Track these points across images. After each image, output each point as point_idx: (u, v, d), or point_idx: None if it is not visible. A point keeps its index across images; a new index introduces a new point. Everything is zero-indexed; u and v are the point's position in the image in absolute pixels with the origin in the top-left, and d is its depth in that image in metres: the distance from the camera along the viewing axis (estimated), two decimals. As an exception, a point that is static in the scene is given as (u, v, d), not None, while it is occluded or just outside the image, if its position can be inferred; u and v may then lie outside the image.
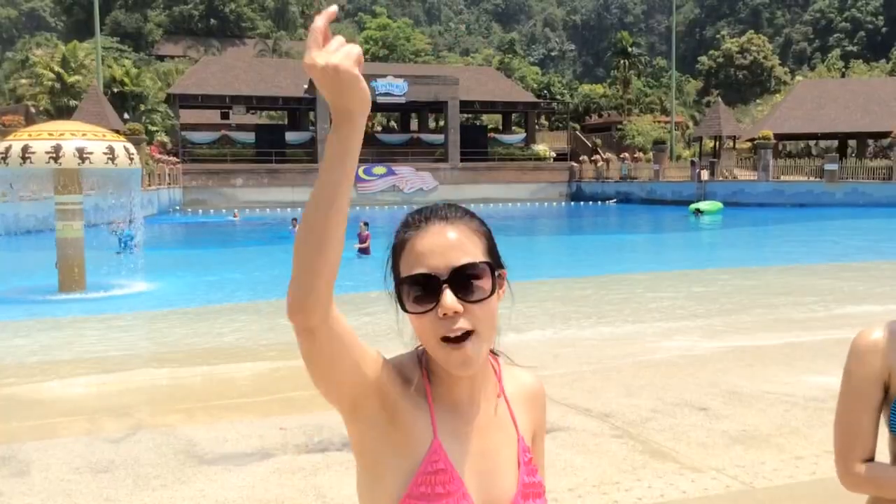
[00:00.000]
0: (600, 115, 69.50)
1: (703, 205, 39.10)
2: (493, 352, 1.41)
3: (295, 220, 26.54)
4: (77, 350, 9.50)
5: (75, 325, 11.34)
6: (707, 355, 8.03)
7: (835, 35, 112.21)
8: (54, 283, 14.19)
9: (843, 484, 1.65)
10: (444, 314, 1.22)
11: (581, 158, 57.16)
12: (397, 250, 1.30)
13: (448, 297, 1.22)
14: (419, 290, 1.24)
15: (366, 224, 21.01)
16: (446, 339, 1.24)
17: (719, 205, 39.86)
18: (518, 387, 1.43)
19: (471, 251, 1.26)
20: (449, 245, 1.25)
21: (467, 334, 1.24)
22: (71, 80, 49.59)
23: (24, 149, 13.25)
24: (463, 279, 1.24)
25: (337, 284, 1.23)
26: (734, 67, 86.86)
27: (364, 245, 20.31)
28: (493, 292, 1.27)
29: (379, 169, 51.12)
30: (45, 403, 6.73)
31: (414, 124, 62.62)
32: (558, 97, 72.19)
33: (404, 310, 1.26)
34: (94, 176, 14.93)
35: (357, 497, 1.38)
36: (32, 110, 48.03)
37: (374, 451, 1.30)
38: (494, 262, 1.30)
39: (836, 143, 57.61)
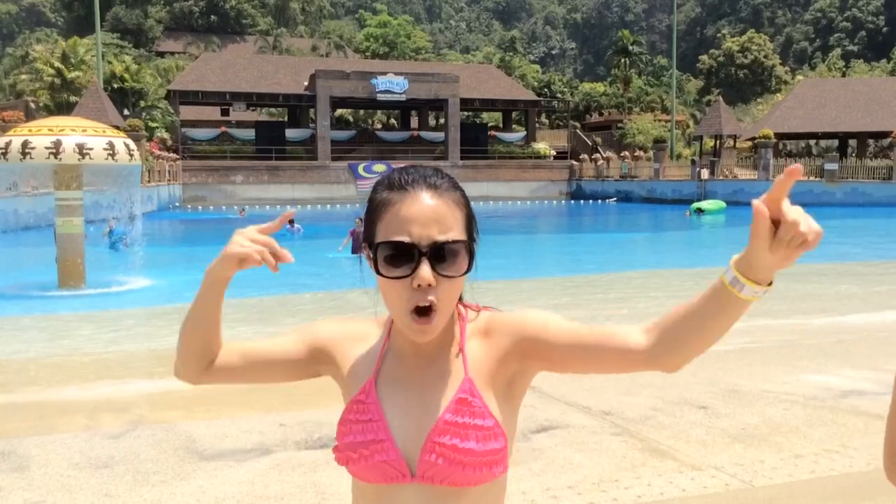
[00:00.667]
0: (601, 114, 69.47)
1: (705, 204, 39.05)
2: (475, 307, 1.43)
3: (292, 220, 26.25)
4: (76, 345, 9.51)
5: (75, 321, 11.34)
6: (707, 354, 8.01)
7: (835, 34, 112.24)
8: (54, 278, 14.19)
9: (890, 479, 1.63)
10: (419, 285, 1.25)
11: (581, 157, 57.16)
12: (378, 208, 1.31)
13: (425, 269, 1.25)
14: (397, 257, 1.26)
15: (361, 220, 20.47)
16: (415, 311, 1.28)
17: (722, 204, 39.72)
18: (478, 332, 1.40)
19: (452, 226, 1.28)
20: (433, 217, 1.27)
21: (431, 311, 1.28)
22: (71, 75, 49.60)
23: (24, 144, 13.24)
24: (442, 254, 1.26)
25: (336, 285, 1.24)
26: (735, 66, 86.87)
27: (359, 244, 19.85)
28: (468, 270, 1.30)
29: (379, 166, 51.09)
30: (44, 399, 6.74)
31: (414, 122, 62.61)
32: (559, 95, 72.16)
33: (377, 272, 1.29)
34: (94, 172, 14.92)
35: None
36: (32, 106, 48.00)
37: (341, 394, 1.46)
38: (470, 237, 1.33)
39: (836, 142, 57.62)
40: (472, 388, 1.34)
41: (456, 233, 1.28)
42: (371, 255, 1.31)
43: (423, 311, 1.28)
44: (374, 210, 1.32)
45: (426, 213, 1.27)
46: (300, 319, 10.90)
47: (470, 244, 1.31)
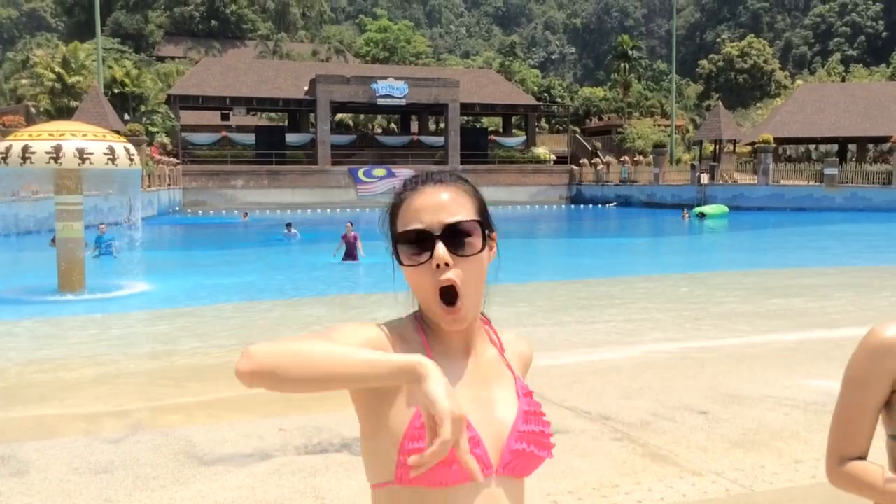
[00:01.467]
0: (600, 119, 69.51)
1: (707, 208, 39.03)
2: (484, 316, 1.50)
3: (289, 224, 26.22)
4: (76, 350, 9.50)
5: (74, 325, 11.33)
6: (706, 358, 8.02)
7: (835, 39, 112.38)
8: (54, 283, 14.18)
9: (830, 480, 1.64)
10: (437, 265, 1.32)
11: (581, 161, 57.17)
12: (395, 210, 1.41)
13: (440, 248, 1.32)
14: (414, 244, 1.34)
15: (352, 224, 19.51)
16: (442, 296, 1.32)
17: (724, 208, 39.67)
18: (514, 351, 1.52)
19: (463, 210, 1.36)
20: (442, 204, 1.36)
21: (456, 295, 1.33)
22: (71, 80, 49.62)
23: (25, 149, 13.24)
24: (455, 235, 1.34)
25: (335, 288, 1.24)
26: (734, 71, 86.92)
27: (351, 250, 18.72)
28: (483, 249, 1.37)
29: (379, 171, 51.14)
30: (44, 403, 6.73)
31: (414, 126, 62.64)
32: (558, 100, 72.23)
33: (401, 263, 1.36)
34: (94, 176, 14.92)
35: (365, 469, 1.41)
36: (33, 110, 48.05)
37: (376, 408, 1.35)
38: (485, 223, 1.39)
39: (836, 147, 57.65)
40: (522, 384, 1.45)
41: (465, 215, 1.36)
42: (394, 253, 1.38)
43: (450, 299, 1.33)
44: (391, 213, 1.42)
45: (436, 201, 1.35)
46: (296, 326, 10.90)
47: (482, 224, 1.37)
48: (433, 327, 1.40)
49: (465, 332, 1.40)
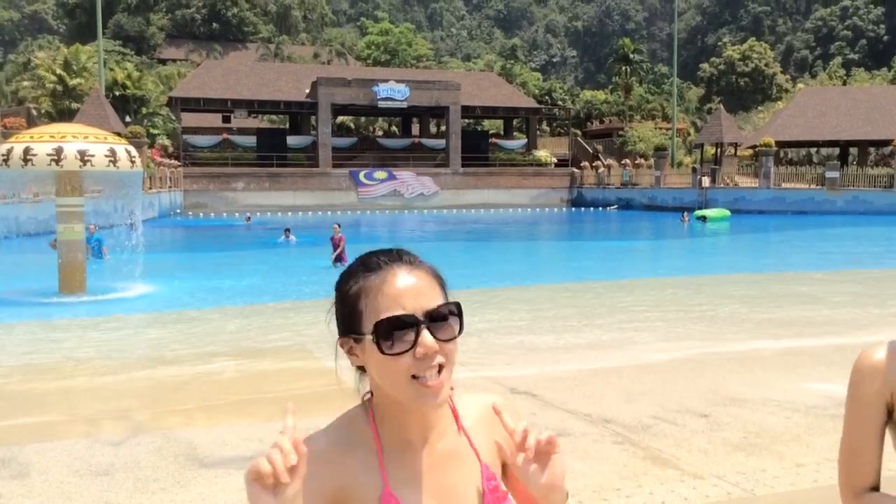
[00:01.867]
0: (602, 122, 69.54)
1: (709, 212, 39.02)
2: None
3: (288, 230, 26.40)
4: (77, 352, 9.49)
5: (75, 327, 11.33)
6: (707, 361, 8.01)
7: (836, 43, 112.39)
8: (54, 285, 14.19)
9: None
10: (424, 354, 1.25)
11: (582, 164, 57.19)
12: (357, 295, 1.30)
13: (427, 337, 1.25)
14: (396, 332, 1.26)
15: (339, 226, 19.35)
16: (417, 377, 1.26)
17: (726, 212, 39.67)
18: (475, 414, 1.41)
19: (437, 295, 1.30)
20: (418, 289, 1.28)
21: (440, 369, 1.27)
22: (73, 82, 49.68)
23: (26, 151, 13.27)
24: (438, 319, 1.28)
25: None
26: (736, 74, 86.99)
27: (339, 252, 18.68)
28: (461, 331, 1.31)
29: (380, 173, 51.16)
30: (44, 405, 6.73)
31: (415, 129, 62.69)
32: (560, 103, 72.22)
33: (380, 351, 1.26)
34: (95, 178, 14.93)
35: None
36: (34, 113, 48.13)
37: None
38: (454, 304, 1.34)
39: (837, 150, 57.64)
40: (489, 473, 1.36)
41: (442, 298, 1.31)
42: (357, 341, 1.30)
43: (430, 376, 1.28)
44: (353, 298, 1.31)
45: (412, 286, 1.28)
46: (296, 329, 10.88)
47: (457, 308, 1.32)
48: (388, 418, 1.33)
49: (423, 418, 1.33)
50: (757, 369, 7.53)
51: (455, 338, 1.30)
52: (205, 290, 15.27)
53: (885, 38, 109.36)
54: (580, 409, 6.00)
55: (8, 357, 9.21)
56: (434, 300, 1.29)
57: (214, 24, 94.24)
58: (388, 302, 1.27)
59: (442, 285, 1.34)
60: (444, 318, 1.28)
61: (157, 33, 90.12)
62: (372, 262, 1.32)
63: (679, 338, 9.72)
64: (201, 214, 45.14)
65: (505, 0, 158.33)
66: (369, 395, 1.36)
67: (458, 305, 1.31)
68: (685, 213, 37.80)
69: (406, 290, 1.27)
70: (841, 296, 13.55)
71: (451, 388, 1.38)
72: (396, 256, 1.33)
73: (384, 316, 1.26)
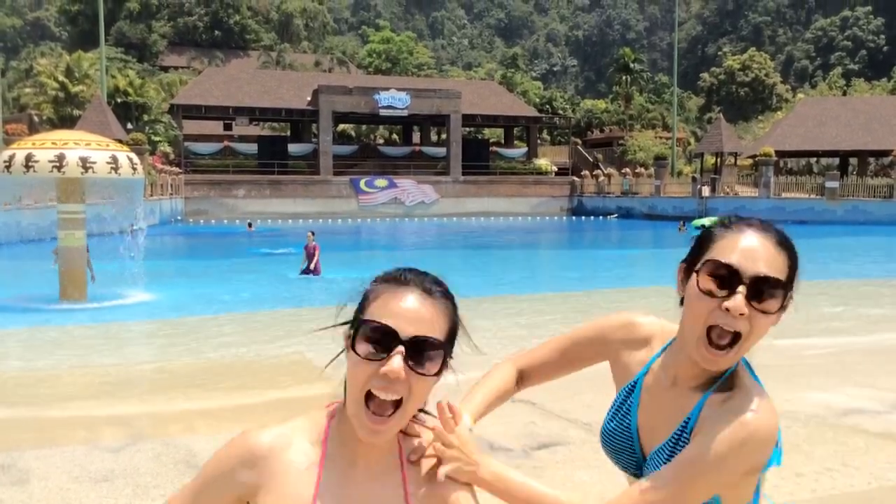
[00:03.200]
0: (602, 131, 69.63)
1: (707, 221, 38.94)
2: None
3: (250, 223, 27.99)
4: (77, 359, 9.50)
5: (76, 334, 11.33)
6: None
7: (836, 53, 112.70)
8: (55, 291, 14.19)
9: None
10: (386, 374, 1.26)
11: (582, 173, 57.24)
12: (371, 293, 1.34)
13: (397, 360, 1.26)
14: (375, 338, 1.28)
15: (313, 234, 18.34)
16: (369, 399, 1.27)
17: None
18: (424, 466, 1.41)
19: (435, 329, 1.31)
20: (419, 316, 1.30)
21: (396, 407, 1.28)
22: (75, 89, 49.77)
23: (28, 157, 13.29)
24: (419, 350, 1.28)
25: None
26: (736, 84, 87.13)
27: (312, 263, 17.74)
28: (438, 374, 1.32)
29: (381, 181, 51.21)
30: (44, 412, 6.73)
31: (416, 137, 62.79)
32: (560, 112, 72.35)
33: (352, 346, 1.30)
34: (97, 185, 14.95)
35: None
36: (36, 119, 48.20)
37: None
38: (450, 346, 1.35)
39: (837, 160, 57.71)
40: None
41: (437, 335, 1.31)
42: (350, 335, 1.33)
43: (382, 410, 1.28)
44: (368, 295, 1.35)
45: (416, 310, 1.30)
46: (294, 338, 10.89)
47: (447, 351, 1.33)
48: (342, 432, 1.36)
49: (369, 446, 1.33)
50: (756, 379, 7.52)
51: (427, 375, 1.29)
52: (205, 297, 15.27)
53: (885, 48, 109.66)
54: (580, 418, 6.00)
55: (8, 363, 9.21)
56: (427, 332, 1.29)
57: (216, 32, 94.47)
58: (385, 312, 1.29)
59: (451, 326, 1.35)
60: (428, 351, 1.29)
61: (159, 41, 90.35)
62: (401, 276, 1.35)
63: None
64: (202, 221, 45.17)
65: (506, 9, 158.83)
66: (335, 405, 1.39)
67: (445, 348, 1.31)
68: (682, 223, 37.83)
69: (407, 312, 1.29)
70: (840, 305, 13.55)
71: (413, 432, 1.40)
72: (420, 281, 1.34)
73: (372, 318, 1.29)
